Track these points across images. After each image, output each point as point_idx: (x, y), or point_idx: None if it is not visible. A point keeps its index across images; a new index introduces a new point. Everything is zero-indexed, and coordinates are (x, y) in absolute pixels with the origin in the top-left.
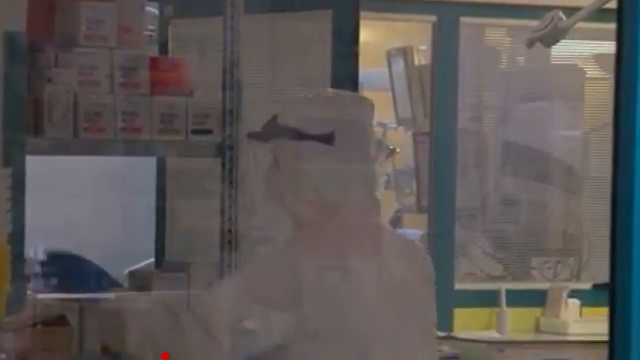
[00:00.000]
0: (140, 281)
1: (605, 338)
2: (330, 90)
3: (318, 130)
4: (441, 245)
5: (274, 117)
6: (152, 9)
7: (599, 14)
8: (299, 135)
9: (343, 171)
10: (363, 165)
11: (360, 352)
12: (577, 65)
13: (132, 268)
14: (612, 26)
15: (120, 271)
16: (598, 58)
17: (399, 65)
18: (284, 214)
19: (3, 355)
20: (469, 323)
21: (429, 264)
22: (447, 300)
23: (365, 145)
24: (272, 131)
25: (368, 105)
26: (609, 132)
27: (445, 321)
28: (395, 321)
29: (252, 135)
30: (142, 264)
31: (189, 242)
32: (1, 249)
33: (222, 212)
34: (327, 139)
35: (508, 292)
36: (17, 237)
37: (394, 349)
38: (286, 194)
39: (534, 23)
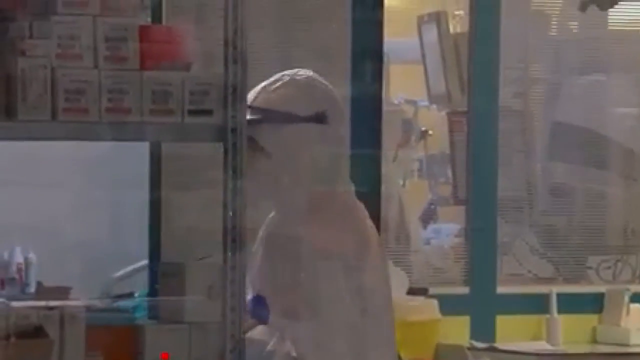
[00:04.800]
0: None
1: None
2: (298, 70)
3: (309, 111)
4: (482, 241)
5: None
6: None
7: None
8: (292, 118)
9: (340, 151)
10: (346, 145)
11: None
12: (639, 31)
13: (120, 272)
14: None
15: (107, 275)
16: None
17: (432, 34)
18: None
19: None
20: (514, 332)
21: None
22: (489, 305)
23: (344, 123)
24: (262, 117)
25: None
26: None
27: (486, 330)
28: None
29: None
30: (134, 266)
31: (188, 240)
32: None
33: (225, 205)
34: (321, 118)
35: (560, 296)
36: None
37: None
38: (285, 183)
39: None
